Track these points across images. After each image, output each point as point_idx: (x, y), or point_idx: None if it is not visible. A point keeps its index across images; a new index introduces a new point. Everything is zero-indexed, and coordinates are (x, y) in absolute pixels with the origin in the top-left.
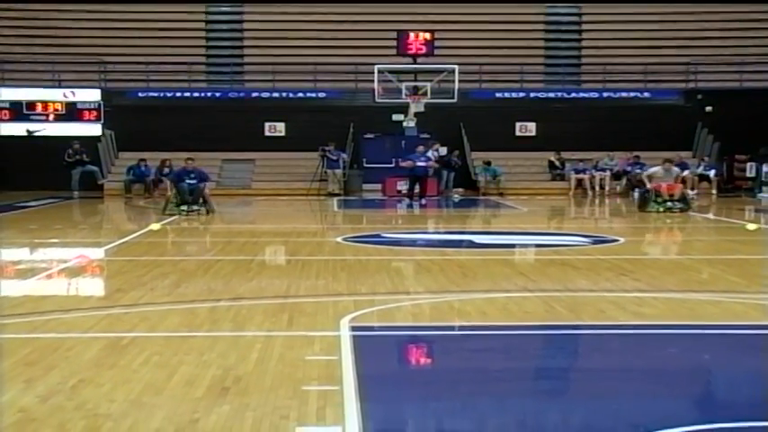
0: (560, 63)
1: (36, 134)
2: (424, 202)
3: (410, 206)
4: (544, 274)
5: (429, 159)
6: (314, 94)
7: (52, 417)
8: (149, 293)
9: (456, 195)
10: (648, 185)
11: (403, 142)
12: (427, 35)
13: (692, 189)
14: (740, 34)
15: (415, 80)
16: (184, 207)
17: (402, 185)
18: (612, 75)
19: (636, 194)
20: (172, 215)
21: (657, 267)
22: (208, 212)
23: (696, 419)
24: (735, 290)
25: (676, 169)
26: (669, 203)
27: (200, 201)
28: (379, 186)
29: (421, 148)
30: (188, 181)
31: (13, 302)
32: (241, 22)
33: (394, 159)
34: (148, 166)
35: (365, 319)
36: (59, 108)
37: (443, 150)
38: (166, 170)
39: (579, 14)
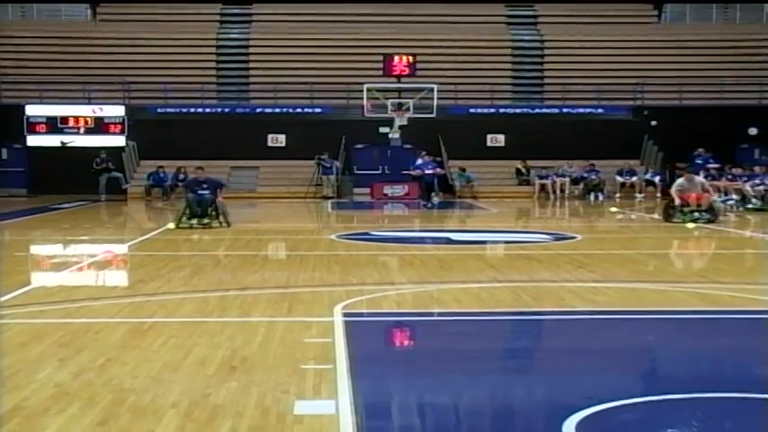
0: (525, 83)
1: (68, 145)
2: (430, 205)
3: (427, 208)
4: (512, 267)
5: (436, 167)
6: (311, 110)
7: (83, 391)
8: (167, 284)
9: (436, 198)
10: (677, 200)
11: (389, 152)
12: (410, 58)
13: (640, 192)
14: (680, 59)
15: (399, 97)
16: (195, 220)
17: (389, 190)
18: (571, 93)
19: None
20: (183, 229)
21: (610, 261)
22: (221, 225)
23: (643, 392)
24: (676, 280)
25: (699, 178)
26: (696, 214)
27: (212, 212)
28: (367, 190)
29: (428, 158)
30: (199, 192)
31: (49, 292)
32: (247, 47)
33: (381, 166)
34: (166, 173)
35: (356, 306)
36: (89, 122)
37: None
38: (181, 176)
39: (542, 41)
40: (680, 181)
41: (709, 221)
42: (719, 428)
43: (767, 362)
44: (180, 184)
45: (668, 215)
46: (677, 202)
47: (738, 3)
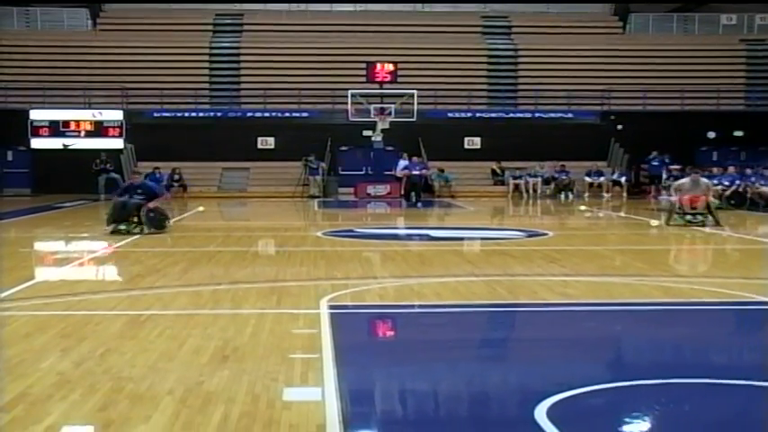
0: (500, 89)
1: (70, 147)
2: (419, 205)
3: (408, 206)
4: (488, 262)
5: (423, 168)
6: (298, 114)
7: (84, 379)
8: (162, 278)
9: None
10: (674, 198)
11: (372, 154)
12: (391, 66)
13: (607, 192)
14: (644, 68)
15: (382, 102)
16: (112, 226)
17: (372, 190)
18: (542, 99)
19: (662, 203)
20: (116, 233)
21: (580, 256)
22: (142, 232)
23: (610, 378)
24: (641, 274)
25: (705, 180)
26: (689, 217)
27: (134, 219)
28: (351, 190)
29: (414, 159)
30: (135, 197)
31: (51, 285)
32: (238, 54)
33: (364, 167)
34: (162, 174)
35: (340, 299)
36: (89, 126)
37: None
38: (176, 176)
39: (515, 50)
40: (683, 181)
41: (705, 225)
42: (681, 411)
43: (724, 349)
44: (175, 184)
45: (668, 218)
46: (673, 199)
47: (697, 14)
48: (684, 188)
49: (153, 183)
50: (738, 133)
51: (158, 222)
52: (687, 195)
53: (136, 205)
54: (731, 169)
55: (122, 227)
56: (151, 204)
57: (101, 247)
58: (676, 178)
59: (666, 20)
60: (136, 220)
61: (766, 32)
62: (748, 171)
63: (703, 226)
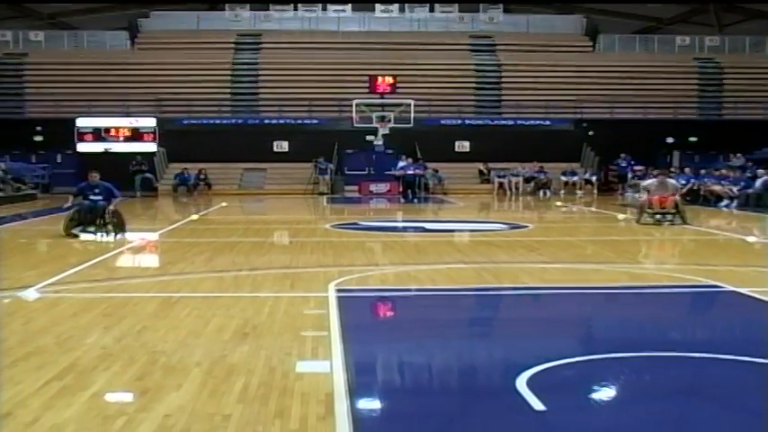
0: (486, 99)
1: (110, 151)
2: (416, 201)
3: (405, 202)
4: (475, 251)
5: (418, 168)
6: (309, 121)
7: (124, 352)
8: (191, 265)
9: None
10: (643, 197)
11: (374, 156)
12: (391, 79)
13: (580, 189)
14: (611, 81)
15: (382, 111)
16: (80, 228)
17: (374, 188)
18: (523, 108)
19: (628, 199)
20: (73, 237)
21: (556, 246)
22: (108, 234)
23: (583, 352)
24: (609, 261)
25: (672, 181)
26: (658, 216)
27: (101, 221)
28: (356, 188)
29: (410, 160)
30: (92, 197)
31: (94, 272)
32: (257, 69)
33: (367, 168)
34: (189, 174)
35: (346, 283)
36: (127, 132)
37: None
38: (202, 176)
39: (499, 65)
40: (651, 181)
41: (673, 224)
42: (644, 380)
43: (680, 326)
44: (201, 182)
45: (639, 217)
46: (642, 198)
47: (656, 36)
48: (652, 188)
49: (108, 183)
50: (693, 139)
51: (122, 225)
52: (656, 195)
53: (103, 207)
54: (687, 170)
55: (91, 229)
56: (112, 207)
57: (137, 237)
58: (641, 178)
59: (630, 40)
60: (99, 222)
61: (715, 52)
62: (702, 172)
63: (672, 224)
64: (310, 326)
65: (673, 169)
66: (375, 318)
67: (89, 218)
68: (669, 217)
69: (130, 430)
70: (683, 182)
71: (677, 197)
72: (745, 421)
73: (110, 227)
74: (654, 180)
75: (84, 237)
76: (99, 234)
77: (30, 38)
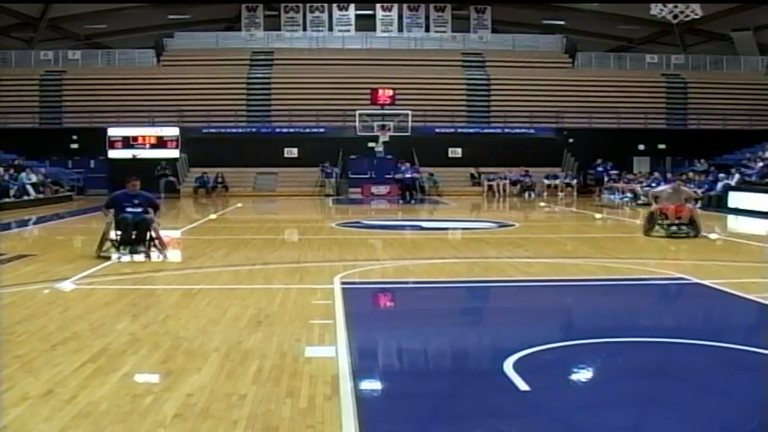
0: (476, 109)
1: (137, 157)
2: (413, 202)
3: (403, 203)
4: (467, 247)
5: (416, 172)
6: (316, 130)
7: (150, 338)
8: (209, 260)
9: (409, 196)
10: (654, 206)
11: (375, 161)
12: (391, 91)
13: (561, 192)
14: (589, 94)
15: (383, 120)
16: (125, 248)
17: (375, 190)
18: (511, 117)
19: (608, 202)
20: (107, 259)
21: (540, 242)
22: (157, 255)
23: (563, 338)
24: (587, 256)
25: (686, 189)
26: (674, 227)
27: (148, 238)
28: (359, 190)
29: (408, 164)
30: (129, 209)
31: (122, 266)
32: (270, 83)
33: (369, 172)
34: (209, 177)
35: (350, 276)
36: (153, 140)
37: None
38: (220, 179)
39: (488, 79)
40: (663, 188)
41: (689, 236)
42: (618, 363)
43: (651, 314)
44: (219, 185)
45: (649, 227)
46: (653, 208)
47: (628, 54)
48: (664, 196)
49: (148, 192)
50: (662, 146)
51: (164, 244)
52: (672, 205)
53: (146, 224)
54: (656, 174)
55: (141, 249)
56: (159, 219)
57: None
58: (615, 181)
59: (605, 57)
60: (148, 239)
61: (680, 69)
62: (669, 176)
63: (687, 236)
64: (317, 315)
65: (640, 172)
66: (376, 307)
67: (138, 236)
68: (685, 228)
69: (157, 408)
70: (654, 185)
71: (696, 207)
72: (706, 398)
73: (157, 242)
74: (667, 186)
75: (128, 258)
76: (147, 254)
77: (68, 57)
